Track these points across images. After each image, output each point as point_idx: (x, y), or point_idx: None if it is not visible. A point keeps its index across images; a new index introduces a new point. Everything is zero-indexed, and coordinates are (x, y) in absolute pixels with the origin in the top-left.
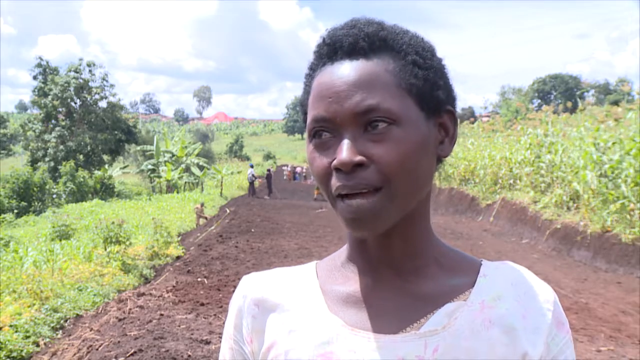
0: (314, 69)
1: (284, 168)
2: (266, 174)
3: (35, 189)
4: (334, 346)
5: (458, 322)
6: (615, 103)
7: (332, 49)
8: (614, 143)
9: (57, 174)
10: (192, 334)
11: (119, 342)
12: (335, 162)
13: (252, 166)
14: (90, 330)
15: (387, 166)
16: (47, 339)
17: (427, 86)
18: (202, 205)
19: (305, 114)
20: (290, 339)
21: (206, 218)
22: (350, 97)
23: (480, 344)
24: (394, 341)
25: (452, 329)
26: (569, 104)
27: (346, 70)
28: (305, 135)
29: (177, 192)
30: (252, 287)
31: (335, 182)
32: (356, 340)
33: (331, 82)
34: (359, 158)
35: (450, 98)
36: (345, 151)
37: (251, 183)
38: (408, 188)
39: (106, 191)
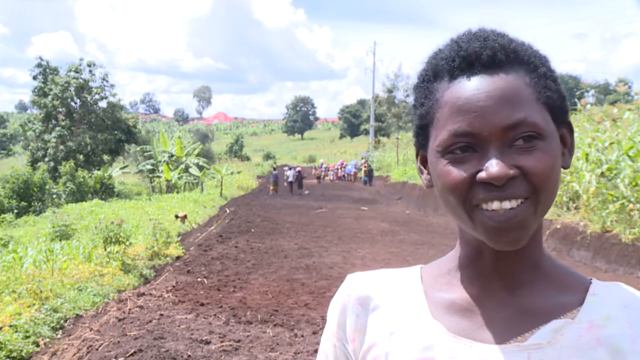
0: (433, 80)
1: (284, 169)
2: (297, 174)
3: (35, 189)
4: (434, 352)
5: (564, 338)
6: (613, 103)
7: (468, 62)
8: (611, 143)
9: (57, 174)
10: (192, 334)
11: (118, 342)
12: (485, 175)
13: (291, 168)
14: (90, 330)
15: (536, 177)
16: (47, 339)
17: (558, 98)
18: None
19: (422, 127)
20: (391, 340)
21: (183, 218)
22: (497, 111)
23: None
24: (497, 352)
25: (557, 345)
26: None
27: (490, 84)
28: (433, 149)
29: (177, 192)
30: (356, 285)
31: (480, 194)
32: (458, 347)
33: (475, 96)
34: (513, 171)
35: (568, 108)
36: (497, 165)
37: (291, 182)
38: (549, 199)
39: (106, 191)
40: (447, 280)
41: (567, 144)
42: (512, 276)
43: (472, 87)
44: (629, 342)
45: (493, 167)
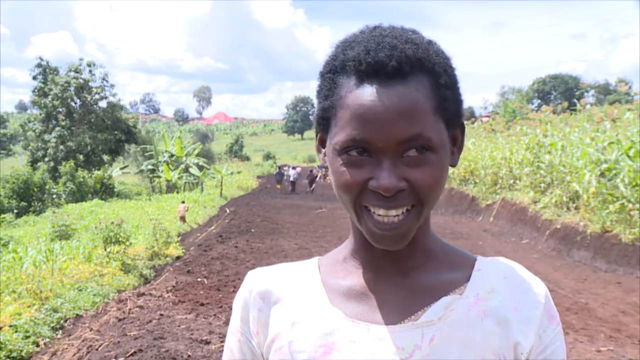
0: (340, 73)
1: (285, 168)
2: (309, 174)
3: (35, 189)
4: (335, 337)
5: (453, 313)
6: (613, 103)
7: (374, 69)
8: (610, 143)
9: (57, 174)
10: (192, 334)
11: (119, 342)
12: (376, 185)
13: (293, 168)
14: (90, 330)
15: (422, 190)
16: (47, 339)
17: (454, 106)
18: (183, 203)
19: (324, 118)
20: (293, 330)
21: (183, 218)
22: (395, 124)
23: (474, 334)
24: (393, 331)
25: (447, 320)
26: (565, 104)
27: (391, 97)
28: (331, 145)
29: (177, 192)
30: (257, 281)
31: (369, 199)
32: (356, 331)
33: (374, 107)
34: (401, 185)
35: (462, 112)
36: (388, 177)
37: (292, 182)
38: (433, 205)
39: (106, 191)
40: (344, 267)
41: (457, 143)
42: (402, 261)
43: (374, 97)
44: (512, 310)
45: (384, 179)
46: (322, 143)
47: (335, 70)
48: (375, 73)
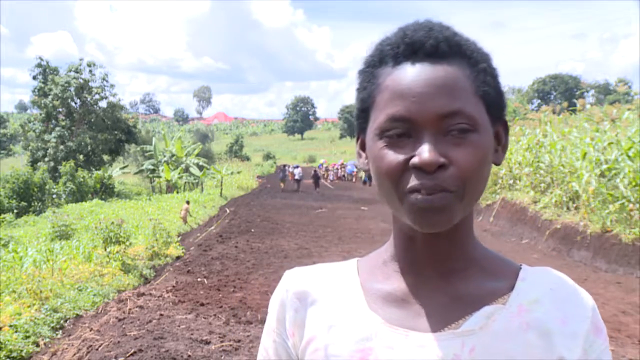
0: (378, 65)
1: (285, 168)
2: (313, 174)
3: (35, 189)
4: (372, 342)
5: (496, 324)
6: (613, 103)
7: (411, 50)
8: (610, 143)
9: (57, 174)
10: (192, 334)
11: (119, 342)
12: (417, 161)
13: (297, 167)
14: (90, 330)
15: (464, 170)
16: (47, 339)
17: (495, 94)
18: (188, 204)
19: (363, 110)
20: (330, 334)
21: (185, 218)
22: (435, 99)
23: (516, 346)
24: (432, 339)
25: (489, 330)
26: (565, 104)
27: (431, 73)
28: (371, 131)
29: (177, 192)
30: (294, 281)
31: (412, 180)
32: (395, 337)
33: (414, 83)
34: (443, 160)
35: (505, 106)
36: (428, 152)
37: (298, 180)
38: (477, 192)
39: (106, 191)
40: (383, 271)
41: (501, 142)
42: (444, 263)
43: (413, 73)
44: (557, 323)
45: (425, 153)
46: (362, 147)
47: (374, 64)
48: (413, 53)
